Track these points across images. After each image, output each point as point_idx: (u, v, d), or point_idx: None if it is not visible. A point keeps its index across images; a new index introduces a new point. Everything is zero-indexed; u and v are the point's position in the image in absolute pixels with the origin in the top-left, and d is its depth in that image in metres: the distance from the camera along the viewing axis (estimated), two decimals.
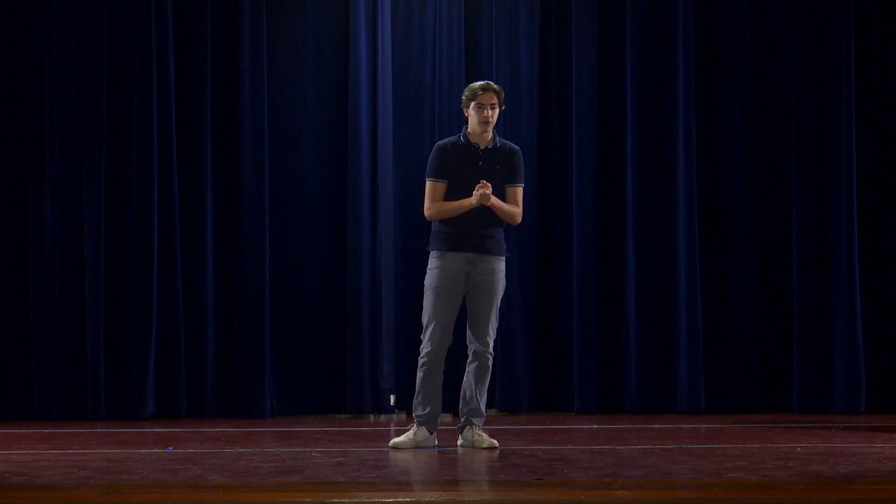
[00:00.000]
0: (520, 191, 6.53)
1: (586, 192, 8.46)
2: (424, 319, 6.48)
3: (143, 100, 8.28)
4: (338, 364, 8.43)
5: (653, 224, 8.46)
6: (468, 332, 6.52)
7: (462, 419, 6.56)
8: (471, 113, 6.46)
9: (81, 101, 8.26)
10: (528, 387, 8.44)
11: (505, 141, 6.64)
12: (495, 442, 6.48)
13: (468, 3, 8.57)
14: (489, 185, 6.35)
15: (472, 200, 6.36)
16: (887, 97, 8.51)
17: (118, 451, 6.52)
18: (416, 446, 6.40)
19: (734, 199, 8.50)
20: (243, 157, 8.38)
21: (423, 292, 6.52)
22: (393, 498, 4.82)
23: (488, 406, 8.29)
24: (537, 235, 8.53)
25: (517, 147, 6.63)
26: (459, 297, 6.47)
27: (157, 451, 6.55)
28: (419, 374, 6.48)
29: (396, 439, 6.44)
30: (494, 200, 6.37)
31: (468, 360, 6.53)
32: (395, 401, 8.35)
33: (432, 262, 6.49)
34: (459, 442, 6.55)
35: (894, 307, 8.46)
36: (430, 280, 6.47)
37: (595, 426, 7.67)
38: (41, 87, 8.26)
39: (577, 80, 8.50)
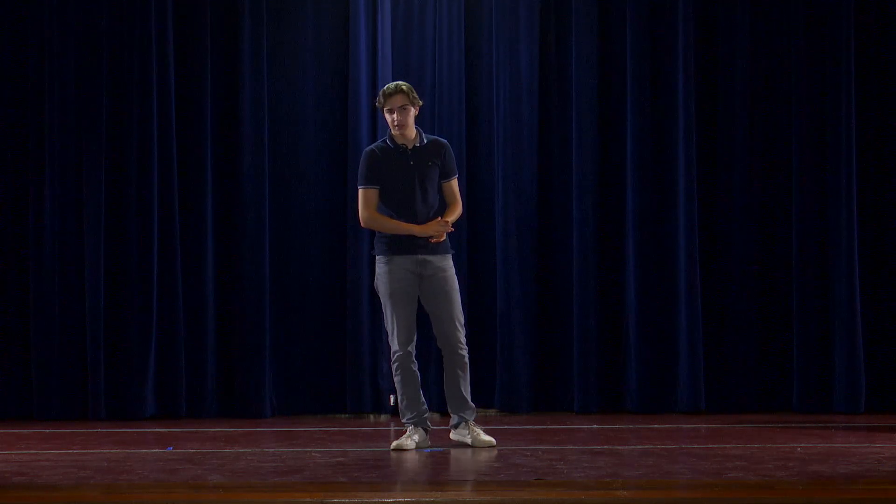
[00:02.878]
0: (455, 183, 6.59)
1: (586, 193, 8.46)
2: (388, 326, 6.49)
3: (143, 100, 8.28)
4: (338, 364, 8.43)
5: (653, 224, 8.46)
6: (436, 335, 6.54)
7: (454, 417, 6.58)
8: (386, 117, 6.50)
9: (81, 101, 8.27)
10: (528, 387, 8.43)
11: (431, 136, 6.67)
12: (493, 440, 6.50)
13: (468, 3, 8.57)
14: (448, 226, 6.41)
15: (417, 230, 6.38)
16: (887, 97, 8.50)
17: (118, 451, 6.53)
18: (417, 447, 6.40)
19: (734, 198, 8.49)
20: (243, 158, 8.39)
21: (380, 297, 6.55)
22: (393, 498, 4.83)
23: (488, 406, 8.37)
24: (537, 235, 8.53)
25: (445, 140, 6.69)
26: (415, 296, 6.48)
27: (157, 451, 6.55)
28: (396, 380, 6.49)
29: (397, 442, 6.44)
30: (447, 228, 6.44)
31: (444, 362, 6.55)
32: (395, 401, 8.34)
33: (381, 268, 6.48)
34: (453, 437, 6.57)
35: (894, 307, 8.46)
36: (382, 287, 6.47)
37: (595, 426, 7.67)
38: (41, 87, 8.27)
39: (577, 80, 8.50)
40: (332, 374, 8.45)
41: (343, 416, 8.38)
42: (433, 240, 6.40)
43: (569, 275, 8.47)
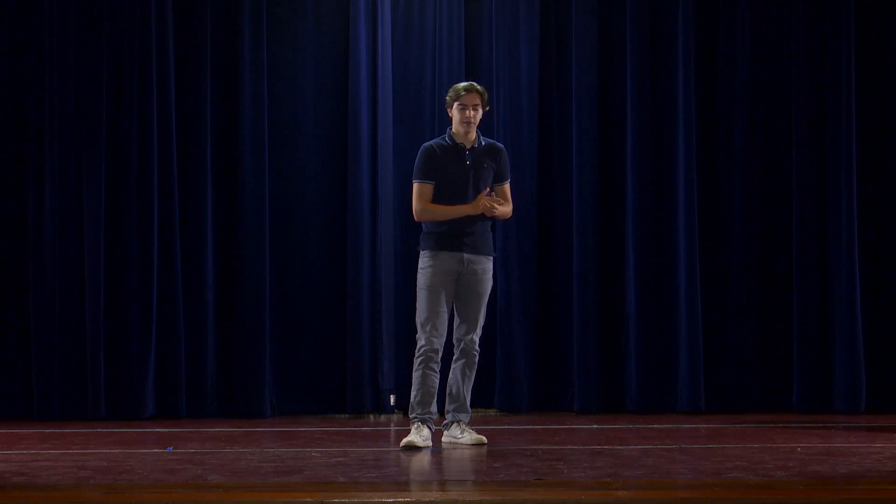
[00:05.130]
0: (508, 187, 6.70)
1: (586, 192, 8.47)
2: (420, 319, 6.51)
3: (143, 100, 8.28)
4: (338, 364, 8.43)
5: (653, 224, 8.46)
6: (456, 330, 6.59)
7: (448, 416, 6.60)
8: (454, 113, 6.55)
9: (81, 101, 8.26)
10: (528, 387, 8.44)
11: (489, 139, 6.75)
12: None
13: (468, 3, 8.58)
14: (498, 199, 6.50)
15: (470, 209, 6.46)
16: (887, 96, 8.51)
17: (118, 451, 6.53)
18: (425, 444, 6.41)
19: (734, 199, 8.50)
20: (243, 157, 8.39)
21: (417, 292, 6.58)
22: (393, 498, 4.83)
23: (488, 406, 8.37)
24: (537, 236, 8.53)
25: (502, 145, 6.79)
26: (452, 294, 6.54)
27: (157, 451, 6.55)
28: (416, 374, 6.50)
29: (407, 439, 6.43)
30: (496, 202, 6.51)
31: (455, 358, 6.60)
32: (395, 401, 8.35)
33: (424, 262, 6.54)
34: (445, 439, 6.57)
35: (894, 307, 8.46)
36: (423, 280, 6.52)
37: (595, 426, 7.67)
38: (41, 86, 8.26)
39: (577, 80, 8.50)
40: (332, 374, 8.44)
41: (343, 416, 8.38)
42: (479, 206, 6.45)
43: (569, 275, 8.47)
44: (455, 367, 6.58)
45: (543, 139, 8.58)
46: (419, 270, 6.56)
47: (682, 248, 8.41)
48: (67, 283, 8.22)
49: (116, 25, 8.31)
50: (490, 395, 8.42)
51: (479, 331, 6.57)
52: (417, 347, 6.52)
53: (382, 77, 8.42)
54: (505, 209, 6.61)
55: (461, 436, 6.55)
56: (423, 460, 6.06)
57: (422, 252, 6.58)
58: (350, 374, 8.38)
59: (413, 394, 6.51)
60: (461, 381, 6.56)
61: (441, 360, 6.54)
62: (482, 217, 6.54)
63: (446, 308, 6.51)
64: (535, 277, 8.52)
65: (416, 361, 6.51)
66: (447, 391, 6.61)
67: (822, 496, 4.80)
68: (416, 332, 6.57)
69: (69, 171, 8.25)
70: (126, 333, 8.22)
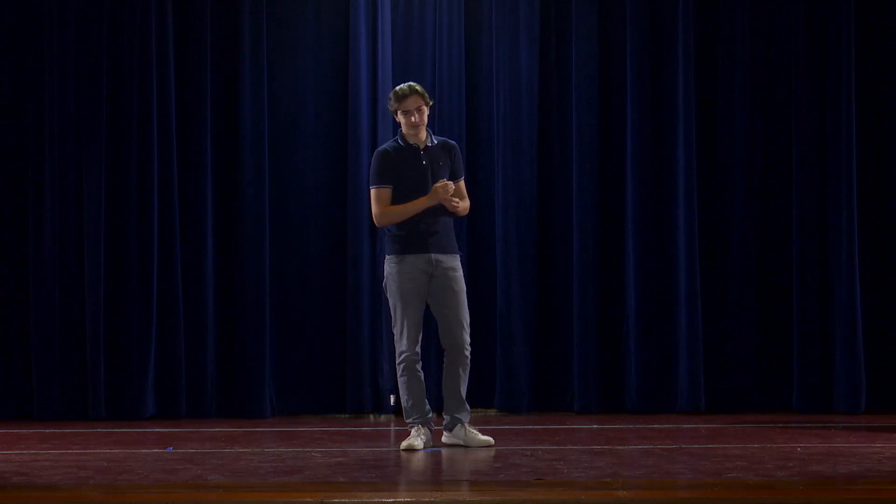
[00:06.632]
0: (463, 183, 6.64)
1: (586, 192, 8.47)
2: (396, 327, 6.47)
3: (144, 100, 8.29)
4: (338, 364, 8.43)
5: (653, 224, 8.46)
6: (442, 335, 6.54)
7: (448, 417, 6.58)
8: (400, 118, 6.52)
9: (81, 101, 8.27)
10: (528, 387, 8.43)
11: (440, 137, 6.73)
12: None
13: (468, 3, 8.58)
14: (451, 184, 6.44)
15: (427, 200, 6.41)
16: (887, 97, 8.51)
17: (118, 451, 6.53)
18: (425, 446, 6.40)
19: (734, 199, 8.50)
20: (243, 158, 8.39)
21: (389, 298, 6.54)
22: (393, 498, 4.83)
23: (488, 406, 8.38)
24: (537, 236, 8.53)
25: (454, 142, 6.75)
26: (424, 296, 6.49)
27: (157, 451, 6.55)
28: (401, 381, 6.48)
29: (406, 441, 6.42)
30: (451, 189, 6.46)
31: (446, 363, 6.56)
32: (395, 400, 8.34)
33: (391, 267, 6.48)
34: (447, 440, 6.55)
35: (894, 307, 8.46)
36: (393, 286, 6.47)
37: (595, 426, 7.67)
38: (41, 86, 8.27)
39: (577, 80, 8.50)
40: (332, 374, 8.45)
41: (343, 416, 8.38)
42: (449, 203, 6.40)
43: (569, 275, 8.47)
44: (448, 370, 6.54)
45: (543, 139, 8.58)
46: (387, 276, 6.50)
47: (682, 248, 8.41)
48: (67, 283, 8.23)
49: (116, 25, 8.32)
50: (490, 395, 8.42)
51: (467, 329, 6.51)
52: (398, 354, 6.48)
53: (382, 77, 8.42)
54: (462, 203, 6.56)
55: (466, 437, 6.51)
56: (423, 460, 6.06)
57: (387, 256, 6.52)
58: (350, 374, 8.38)
59: (404, 400, 6.49)
60: (455, 381, 6.51)
61: (425, 358, 6.53)
62: (444, 214, 6.49)
63: (421, 310, 6.46)
64: (535, 277, 8.52)
65: (399, 368, 6.48)
66: (443, 393, 6.59)
67: (822, 496, 4.80)
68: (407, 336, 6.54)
69: (69, 172, 8.25)
70: (126, 333, 8.23)
